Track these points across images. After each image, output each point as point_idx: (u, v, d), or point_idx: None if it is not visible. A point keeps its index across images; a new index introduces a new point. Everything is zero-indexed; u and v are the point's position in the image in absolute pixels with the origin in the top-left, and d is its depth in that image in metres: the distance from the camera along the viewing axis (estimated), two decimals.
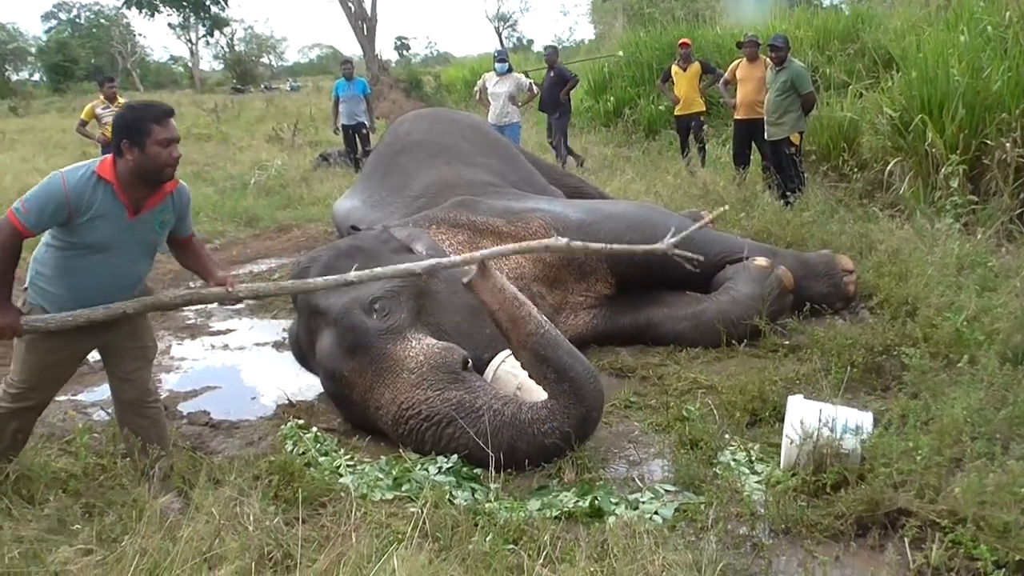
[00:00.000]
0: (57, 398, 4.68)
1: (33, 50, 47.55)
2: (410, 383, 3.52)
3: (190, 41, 48.42)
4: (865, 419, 3.11)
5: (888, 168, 7.26)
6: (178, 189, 3.10)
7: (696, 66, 9.84)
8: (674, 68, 10.08)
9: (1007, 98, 6.32)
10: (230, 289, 3.18)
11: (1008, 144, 6.11)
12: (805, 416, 3.08)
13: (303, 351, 4.39)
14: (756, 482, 3.10)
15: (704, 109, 10.14)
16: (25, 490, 3.21)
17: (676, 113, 10.21)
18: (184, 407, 4.55)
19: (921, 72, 7.20)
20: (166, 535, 2.64)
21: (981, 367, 3.49)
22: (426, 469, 3.30)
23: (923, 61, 7.32)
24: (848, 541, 2.70)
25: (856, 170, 7.45)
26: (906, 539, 2.60)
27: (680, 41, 10.32)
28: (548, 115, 11.56)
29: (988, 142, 6.35)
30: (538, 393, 3.63)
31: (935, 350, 3.88)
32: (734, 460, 3.29)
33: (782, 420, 3.53)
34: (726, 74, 8.97)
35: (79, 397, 4.77)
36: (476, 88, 10.59)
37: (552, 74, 11.44)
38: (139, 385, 3.25)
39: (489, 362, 3.87)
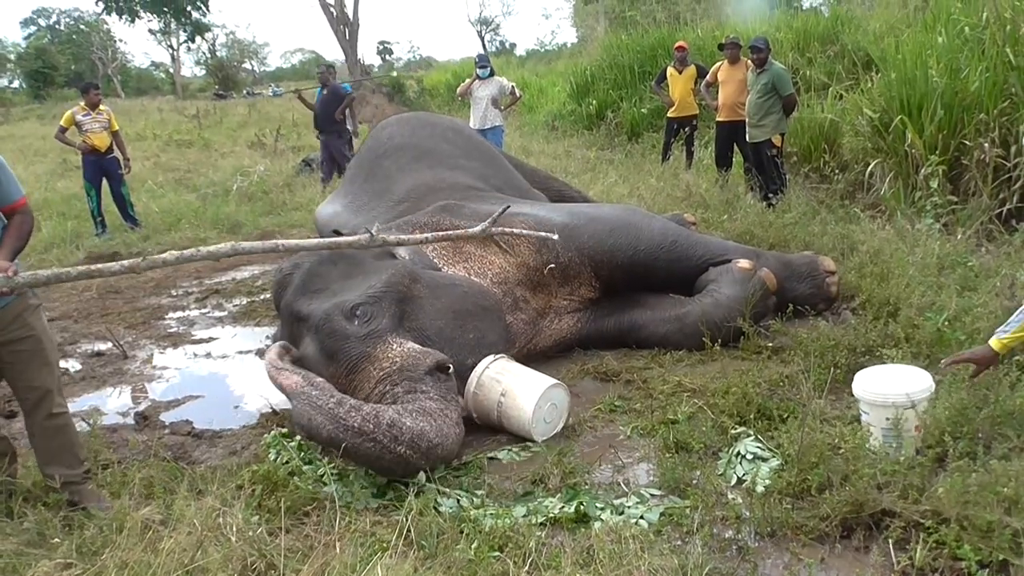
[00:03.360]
0: None
1: (12, 56, 47.15)
2: (376, 378, 3.54)
3: (171, 47, 48.26)
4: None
5: (868, 169, 7.30)
6: None
7: (692, 69, 9.85)
8: (670, 70, 10.08)
9: (985, 99, 6.36)
10: (9, 275, 2.92)
11: (986, 144, 6.15)
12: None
13: None
14: (765, 474, 3.12)
15: (698, 113, 10.16)
16: (3, 503, 3.18)
17: (669, 115, 10.21)
18: (166, 416, 4.52)
19: (900, 73, 7.24)
20: (147, 547, 2.61)
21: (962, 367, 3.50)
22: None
23: (902, 62, 7.36)
24: (833, 543, 2.70)
25: (837, 171, 7.49)
26: (890, 540, 2.60)
27: (676, 44, 10.32)
28: (323, 135, 11.48)
29: (967, 142, 6.39)
30: (522, 399, 3.63)
31: (917, 350, 3.90)
32: (737, 454, 3.29)
33: (768, 420, 3.55)
34: (708, 76, 9.02)
35: None
36: (461, 87, 10.55)
37: (326, 92, 11.44)
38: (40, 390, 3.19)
39: (473, 367, 3.86)
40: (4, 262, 2.98)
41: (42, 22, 50.56)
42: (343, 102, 11.36)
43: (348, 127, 11.92)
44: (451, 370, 3.61)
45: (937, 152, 6.40)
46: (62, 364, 5.46)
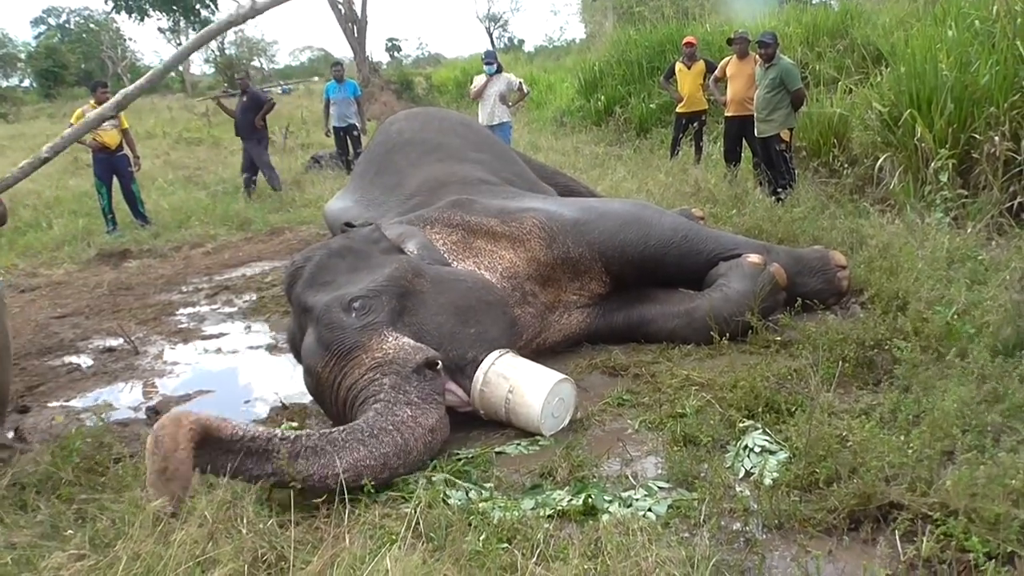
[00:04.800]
0: (49, 404, 4.72)
1: (22, 56, 47.25)
2: (367, 366, 3.55)
3: (180, 45, 48.30)
4: None
5: (878, 163, 7.27)
6: None
7: (701, 64, 9.85)
8: (678, 66, 10.09)
9: (995, 92, 6.34)
10: None
11: (997, 138, 6.12)
12: None
13: (299, 349, 4.39)
14: (773, 467, 3.10)
15: (706, 108, 10.16)
16: (17, 496, 3.21)
17: (678, 111, 10.22)
18: (178, 411, 4.54)
19: (910, 67, 7.22)
20: (159, 539, 2.64)
21: (972, 360, 3.50)
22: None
23: (912, 56, 7.34)
24: (841, 535, 2.70)
25: (846, 165, 7.47)
26: (898, 532, 2.60)
27: (685, 40, 10.31)
28: (244, 141, 11.56)
29: (977, 136, 6.37)
30: (530, 396, 3.63)
31: (926, 344, 3.89)
32: (745, 447, 3.29)
33: (776, 413, 3.55)
34: (716, 71, 9.01)
35: (72, 403, 4.77)
36: (473, 88, 10.50)
37: (245, 99, 11.44)
38: None
39: (473, 360, 3.85)
40: None
41: (52, 21, 50.67)
42: (263, 108, 11.40)
43: (267, 134, 12.02)
44: (439, 367, 3.63)
45: (947, 146, 6.38)
46: (74, 359, 5.52)
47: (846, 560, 2.60)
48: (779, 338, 4.42)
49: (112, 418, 4.32)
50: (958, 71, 6.67)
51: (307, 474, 3.01)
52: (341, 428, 3.21)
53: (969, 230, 5.56)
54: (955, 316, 3.97)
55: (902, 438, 2.98)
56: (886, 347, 3.91)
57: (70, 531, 2.85)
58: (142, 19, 40.17)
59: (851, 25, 11.50)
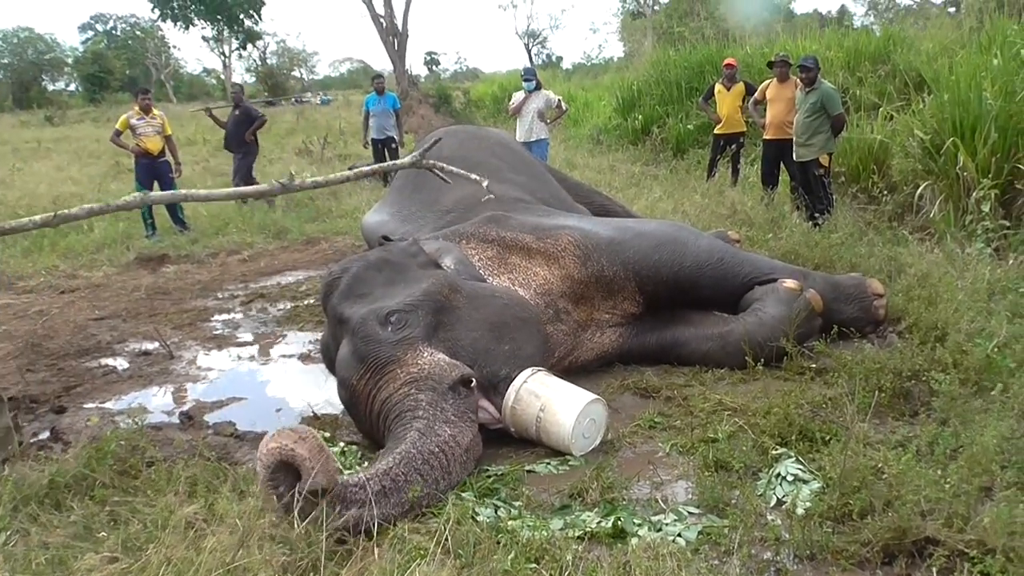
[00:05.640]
0: (85, 405, 4.79)
1: (70, 60, 48.37)
2: (402, 380, 3.55)
3: (223, 54, 49.14)
4: None
5: (918, 191, 7.20)
6: None
7: (740, 86, 9.84)
8: (718, 87, 10.09)
9: None
10: None
11: None
12: None
13: (332, 359, 4.42)
14: (805, 497, 3.07)
15: (745, 130, 10.13)
16: (52, 497, 3.26)
17: (716, 132, 10.20)
18: (210, 417, 4.59)
19: (953, 95, 7.14)
20: (190, 545, 2.66)
21: (1012, 395, 3.44)
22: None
23: (955, 84, 7.26)
24: (874, 569, 2.66)
25: (886, 192, 7.40)
26: (934, 568, 2.56)
27: (725, 61, 10.32)
28: (233, 154, 11.71)
29: (1021, 166, 6.29)
30: (561, 415, 3.62)
31: (965, 376, 3.83)
32: (777, 475, 3.25)
33: (810, 441, 3.51)
34: (756, 94, 8.98)
35: (107, 405, 4.83)
36: (512, 104, 10.56)
37: (238, 112, 11.52)
38: None
39: (506, 377, 3.84)
40: None
41: (99, 27, 51.81)
42: (255, 124, 11.50)
43: (256, 149, 12.15)
44: (473, 384, 3.62)
45: (990, 175, 6.30)
46: (110, 362, 5.60)
47: None
48: (814, 365, 4.37)
49: (146, 422, 4.36)
50: (1003, 100, 6.60)
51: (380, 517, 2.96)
52: (397, 460, 3.12)
53: (1011, 262, 5.47)
54: (996, 349, 3.90)
55: (939, 472, 2.93)
56: (924, 378, 3.86)
57: (103, 533, 2.89)
58: (187, 27, 40.90)
59: (893, 51, 11.41)
